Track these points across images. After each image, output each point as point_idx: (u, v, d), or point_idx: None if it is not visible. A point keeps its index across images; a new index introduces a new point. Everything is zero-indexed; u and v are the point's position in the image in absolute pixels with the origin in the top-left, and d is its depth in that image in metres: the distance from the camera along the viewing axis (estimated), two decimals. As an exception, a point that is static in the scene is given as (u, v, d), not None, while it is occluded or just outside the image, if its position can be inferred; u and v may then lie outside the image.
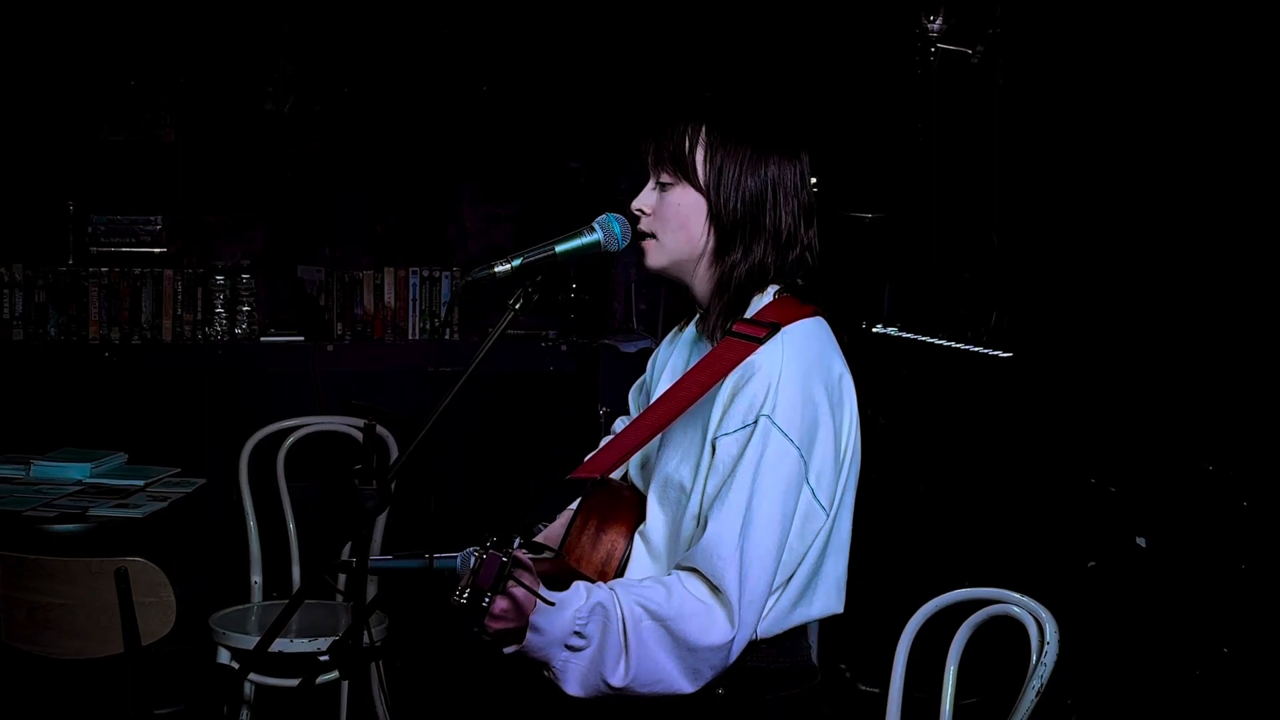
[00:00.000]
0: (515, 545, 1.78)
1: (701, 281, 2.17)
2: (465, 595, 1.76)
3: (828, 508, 2.05)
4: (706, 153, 2.11)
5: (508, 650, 1.93)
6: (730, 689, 2.04)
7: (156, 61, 5.46)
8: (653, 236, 2.16)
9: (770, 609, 2.03)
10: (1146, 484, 3.56)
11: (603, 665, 1.93)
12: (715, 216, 2.11)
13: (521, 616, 1.87)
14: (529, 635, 1.89)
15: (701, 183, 2.11)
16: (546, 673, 1.95)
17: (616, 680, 1.93)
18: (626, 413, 2.52)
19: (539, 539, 2.20)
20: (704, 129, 2.12)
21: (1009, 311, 4.35)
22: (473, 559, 2.04)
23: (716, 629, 1.94)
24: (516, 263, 2.06)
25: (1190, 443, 3.49)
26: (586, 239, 2.12)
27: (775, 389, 2.00)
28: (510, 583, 1.80)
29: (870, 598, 2.53)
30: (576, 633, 1.91)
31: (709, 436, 2.05)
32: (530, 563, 1.90)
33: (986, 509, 4.19)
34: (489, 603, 1.76)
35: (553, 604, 1.88)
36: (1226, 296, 3.59)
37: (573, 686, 1.94)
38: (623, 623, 1.93)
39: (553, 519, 2.21)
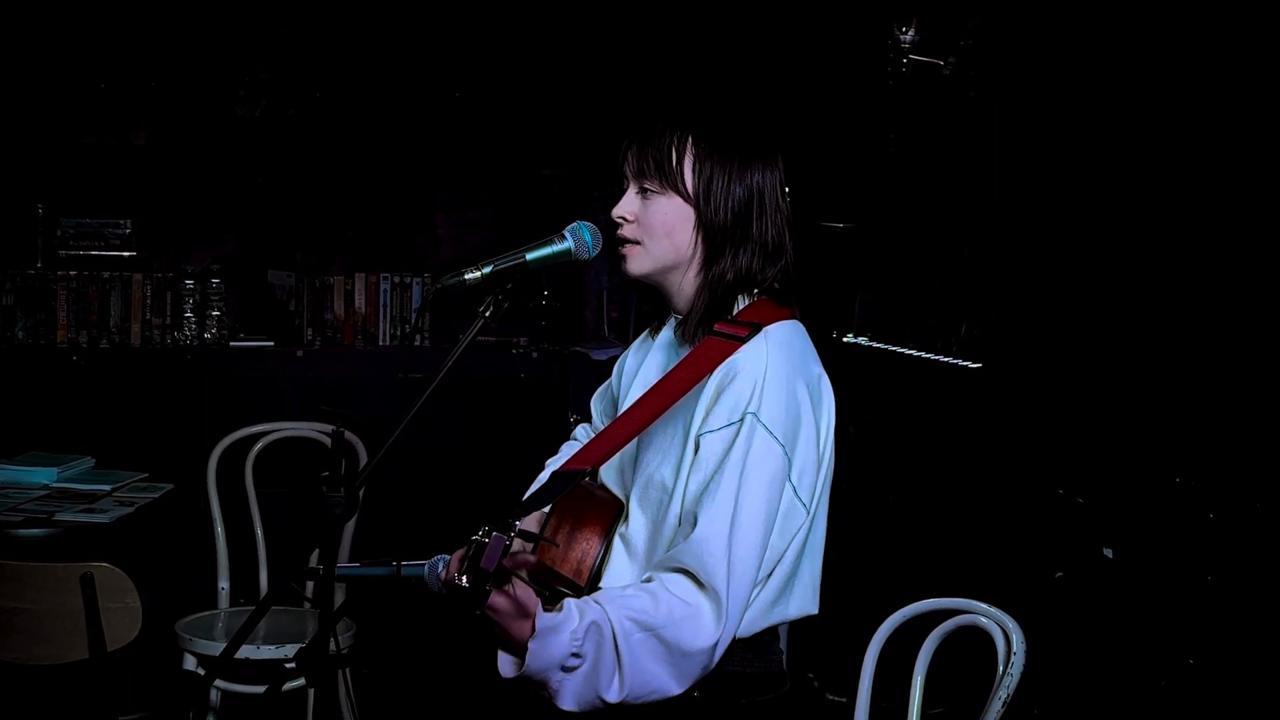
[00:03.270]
0: (515, 530, 1.77)
1: (686, 288, 2.17)
2: (467, 579, 1.76)
3: (808, 505, 2.06)
4: (695, 163, 2.11)
5: (506, 675, 1.93)
6: (706, 693, 2.04)
7: (128, 65, 5.44)
8: (636, 243, 2.16)
9: (749, 605, 2.04)
10: (1114, 495, 3.57)
11: (597, 682, 1.93)
12: (704, 225, 2.12)
13: (524, 614, 1.88)
14: (529, 660, 1.89)
15: (690, 192, 2.12)
16: (543, 692, 1.95)
17: (612, 696, 1.94)
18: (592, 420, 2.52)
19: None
20: (690, 138, 2.12)
21: (979, 322, 4.36)
22: (440, 564, 2.03)
23: (705, 630, 1.95)
24: (487, 270, 2.06)
25: (1157, 455, 3.51)
26: (557, 247, 2.13)
27: (761, 387, 2.01)
28: (508, 582, 1.82)
29: (839, 606, 2.53)
30: (573, 653, 1.91)
31: (691, 434, 2.05)
32: (528, 561, 1.91)
33: (955, 519, 4.20)
34: (490, 587, 1.76)
35: (543, 599, 1.89)
36: (1195, 310, 3.61)
37: (568, 702, 1.94)
38: (614, 639, 1.93)
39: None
